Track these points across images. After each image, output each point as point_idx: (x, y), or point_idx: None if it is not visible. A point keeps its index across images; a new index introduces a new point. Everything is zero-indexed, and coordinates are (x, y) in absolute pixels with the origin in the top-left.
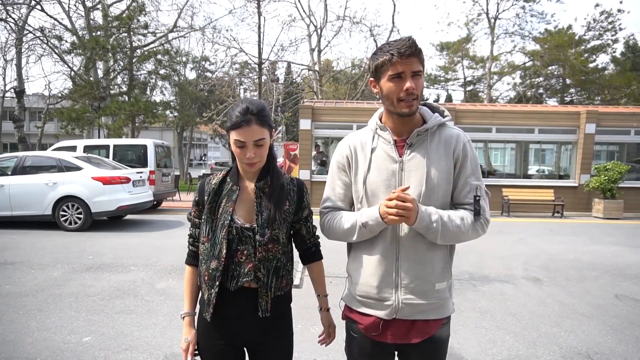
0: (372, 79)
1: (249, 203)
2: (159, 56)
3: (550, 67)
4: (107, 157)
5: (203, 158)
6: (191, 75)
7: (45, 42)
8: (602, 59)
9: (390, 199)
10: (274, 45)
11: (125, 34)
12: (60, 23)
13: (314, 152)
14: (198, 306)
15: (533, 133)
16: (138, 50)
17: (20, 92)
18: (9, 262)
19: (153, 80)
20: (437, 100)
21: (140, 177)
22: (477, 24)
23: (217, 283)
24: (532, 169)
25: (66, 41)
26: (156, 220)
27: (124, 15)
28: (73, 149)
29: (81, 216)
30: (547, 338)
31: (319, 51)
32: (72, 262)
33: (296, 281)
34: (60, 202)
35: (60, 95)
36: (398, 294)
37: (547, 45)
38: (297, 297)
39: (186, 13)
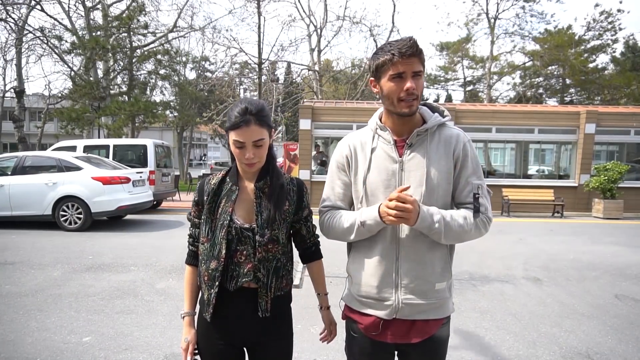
0: (372, 78)
1: (248, 203)
2: (159, 56)
3: (550, 67)
4: (107, 157)
5: (203, 158)
6: (191, 75)
7: (45, 42)
8: (602, 59)
9: (391, 200)
10: (274, 45)
11: (125, 34)
12: (60, 23)
13: (313, 152)
14: (198, 306)
15: (533, 133)
16: (138, 50)
17: (20, 92)
18: (9, 262)
19: (153, 80)
20: (437, 100)
21: (140, 177)
22: (477, 24)
23: (217, 283)
24: (532, 169)
25: (66, 41)
26: (156, 220)
27: (124, 15)
28: (73, 149)
29: (81, 216)
30: (547, 338)
31: (319, 51)
32: (72, 262)
33: (296, 281)
34: (60, 202)
35: (60, 95)
36: (398, 293)
37: (547, 45)
38: (297, 297)
39: (186, 13)
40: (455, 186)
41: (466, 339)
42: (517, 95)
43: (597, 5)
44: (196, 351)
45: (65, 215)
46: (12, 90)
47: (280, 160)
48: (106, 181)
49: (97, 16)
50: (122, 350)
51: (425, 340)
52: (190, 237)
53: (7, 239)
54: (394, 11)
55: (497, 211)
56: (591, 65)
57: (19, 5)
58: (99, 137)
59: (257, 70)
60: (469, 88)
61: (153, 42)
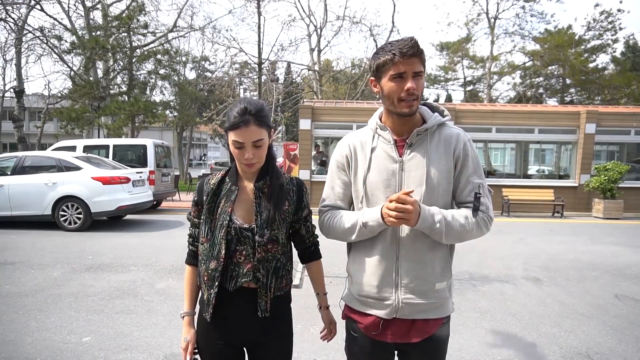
0: (373, 78)
1: (248, 203)
2: (159, 56)
3: (550, 67)
4: (107, 157)
5: (203, 158)
6: (191, 75)
7: (45, 42)
8: (602, 59)
9: (391, 201)
10: (274, 45)
11: (125, 34)
12: (59, 23)
13: (313, 152)
14: (198, 306)
15: (533, 133)
16: (138, 50)
17: (19, 92)
18: (9, 262)
19: (153, 80)
20: (437, 100)
21: (140, 177)
22: (477, 24)
23: (217, 283)
24: (532, 169)
25: (66, 41)
26: (156, 220)
27: (124, 15)
28: (73, 149)
29: (81, 216)
30: (547, 338)
31: (319, 51)
32: (72, 262)
33: (296, 281)
34: (60, 202)
35: (59, 95)
36: (398, 293)
37: (547, 45)
38: (296, 297)
39: (186, 13)
40: (456, 185)
41: (466, 339)
42: (517, 95)
43: (597, 5)
44: (196, 351)
45: (65, 215)
46: (12, 90)
47: (280, 160)
48: (106, 181)
49: (97, 16)
50: (122, 350)
51: (425, 340)
52: (190, 237)
53: (7, 239)
54: (394, 11)
55: (497, 211)
56: (591, 65)
57: (18, 5)
58: (98, 137)
59: (257, 70)
60: (469, 88)
61: (153, 42)
